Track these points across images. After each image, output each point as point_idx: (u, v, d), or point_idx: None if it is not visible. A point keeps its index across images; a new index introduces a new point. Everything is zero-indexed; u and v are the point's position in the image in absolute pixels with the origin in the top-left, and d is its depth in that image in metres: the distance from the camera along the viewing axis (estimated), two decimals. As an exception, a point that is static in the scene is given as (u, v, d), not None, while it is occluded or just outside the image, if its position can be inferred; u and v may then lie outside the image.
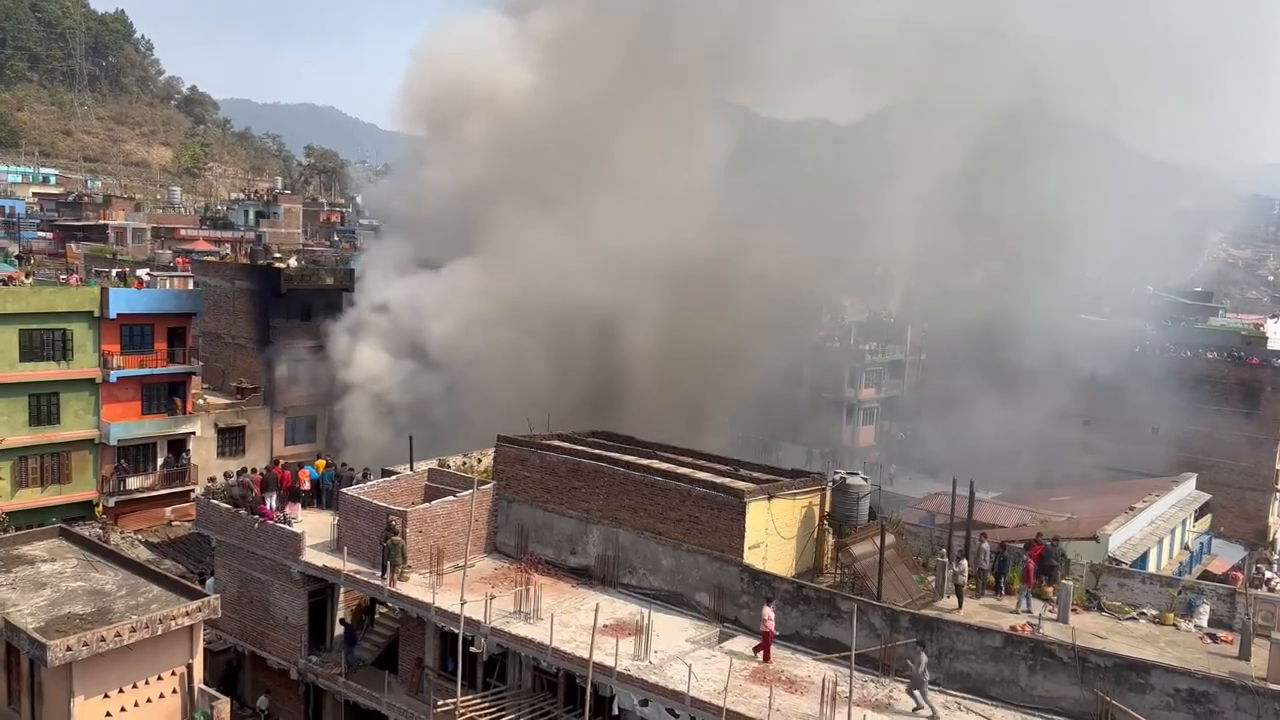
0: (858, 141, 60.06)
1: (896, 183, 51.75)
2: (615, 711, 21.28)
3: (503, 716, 23.16)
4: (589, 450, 28.06)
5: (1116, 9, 61.07)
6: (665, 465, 27.02)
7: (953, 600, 24.06)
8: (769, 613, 22.17)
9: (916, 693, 19.98)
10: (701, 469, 26.96)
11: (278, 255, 61.90)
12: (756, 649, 22.25)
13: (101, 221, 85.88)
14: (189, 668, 20.89)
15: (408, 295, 45.67)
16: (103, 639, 19.06)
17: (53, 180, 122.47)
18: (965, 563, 24.18)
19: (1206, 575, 37.21)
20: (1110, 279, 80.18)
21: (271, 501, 30.29)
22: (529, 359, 43.02)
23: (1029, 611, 23.43)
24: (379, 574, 25.70)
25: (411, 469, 30.72)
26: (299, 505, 30.89)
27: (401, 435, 35.90)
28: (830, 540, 26.04)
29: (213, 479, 32.88)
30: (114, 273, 55.45)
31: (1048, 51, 56.28)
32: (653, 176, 46.52)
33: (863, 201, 50.76)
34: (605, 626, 22.56)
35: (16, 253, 68.62)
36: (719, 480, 25.41)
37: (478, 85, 49.46)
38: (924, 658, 20.14)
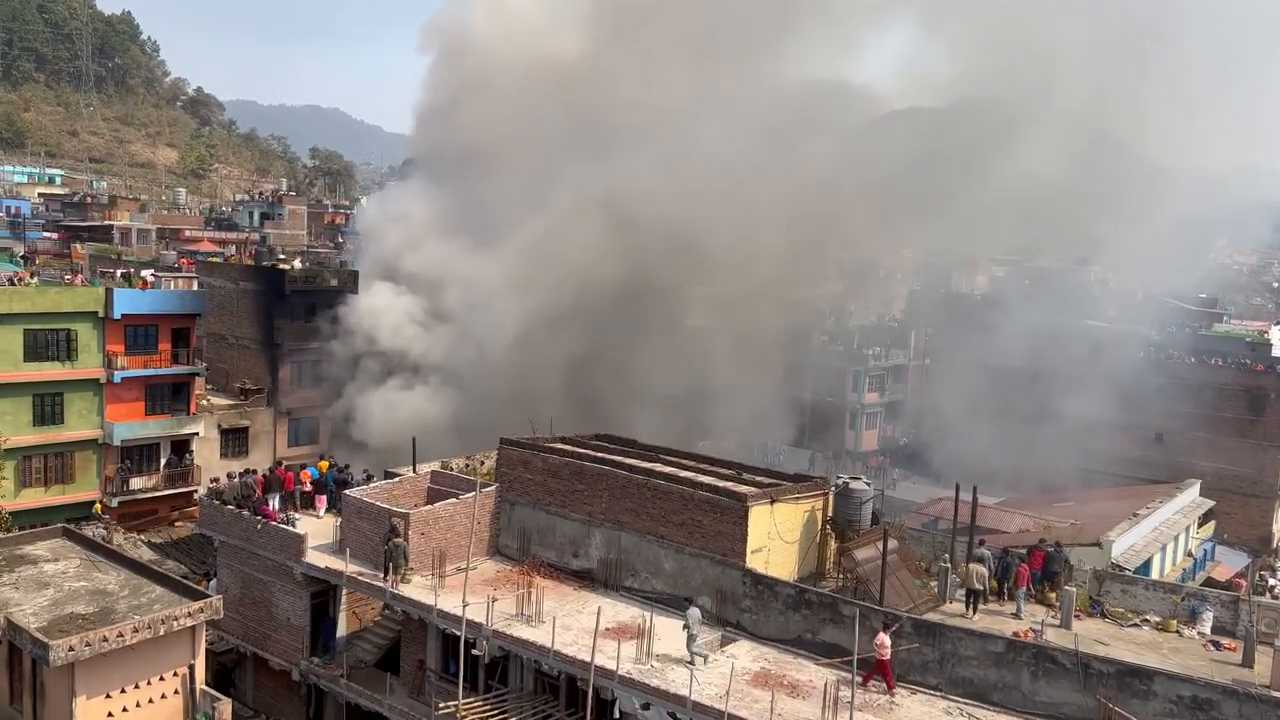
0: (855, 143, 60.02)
1: (895, 185, 51.75)
2: (617, 715, 21.24)
3: (505, 719, 23.15)
4: (591, 453, 28.07)
5: (1124, 14, 61.19)
6: (667, 468, 27.01)
7: (956, 605, 24.03)
8: (885, 639, 20.86)
9: (693, 648, 21.65)
10: (704, 472, 26.91)
11: (282, 257, 62.07)
12: (868, 678, 20.84)
13: (106, 222, 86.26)
14: (191, 668, 20.92)
15: (440, 265, 45.39)
16: (105, 639, 19.09)
17: (58, 181, 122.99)
18: (980, 567, 23.88)
19: (1210, 582, 37.06)
20: (1115, 284, 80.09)
21: (274, 503, 30.35)
22: (545, 347, 43.06)
23: (1019, 617, 23.40)
24: (381, 575, 25.71)
25: (414, 470, 30.74)
26: (325, 499, 31.02)
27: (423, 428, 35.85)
28: (833, 545, 25.99)
29: (215, 479, 32.94)
30: (119, 273, 55.75)
31: (1055, 55, 56.28)
32: (681, 153, 46.47)
33: (864, 201, 50.76)
34: (607, 629, 22.53)
35: (22, 253, 68.84)
36: (721, 484, 25.38)
37: (518, 40, 49.43)
38: (695, 611, 21.89)
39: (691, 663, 21.53)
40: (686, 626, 21.91)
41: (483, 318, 43.95)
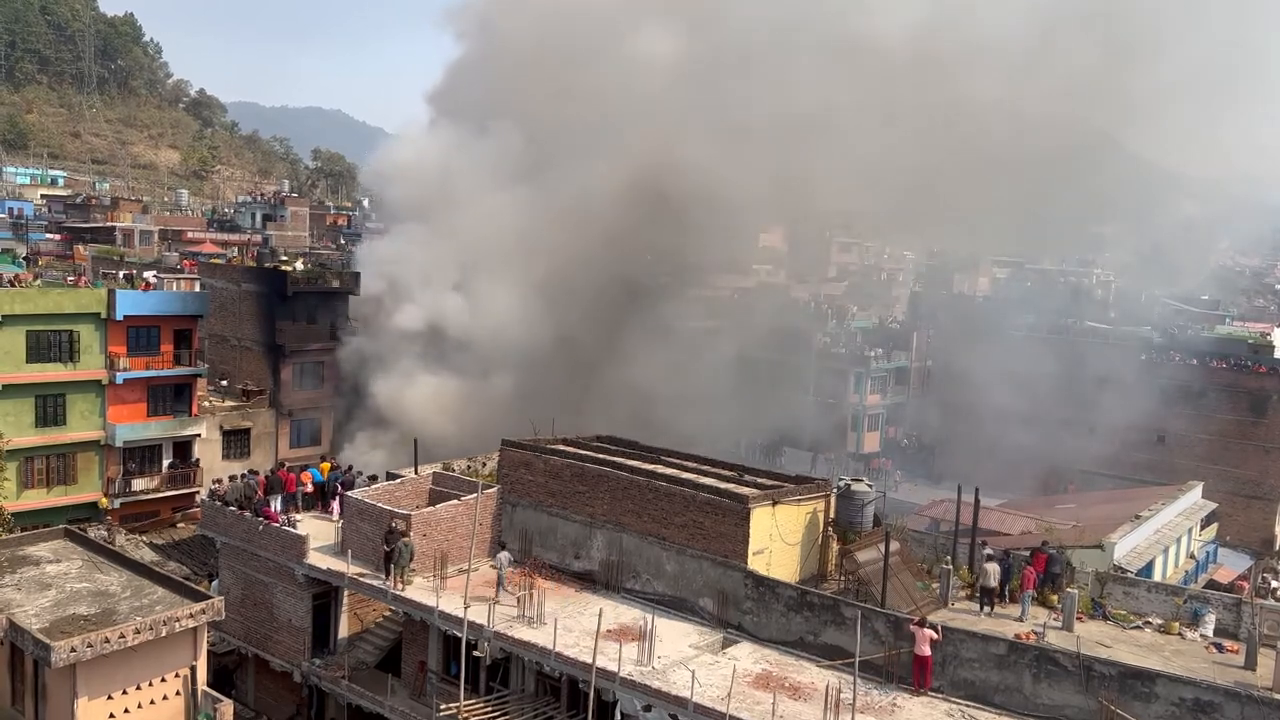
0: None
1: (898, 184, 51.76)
2: (618, 717, 21.25)
3: (505, 721, 23.17)
4: (593, 454, 28.07)
5: (1124, 15, 61.11)
6: (669, 470, 27.01)
7: (958, 606, 24.00)
8: (929, 634, 20.64)
9: (501, 589, 24.80)
10: (705, 474, 26.93)
11: (284, 258, 61.97)
12: (919, 684, 20.78)
13: (109, 223, 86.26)
14: (192, 669, 20.89)
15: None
16: (107, 640, 19.08)
17: (61, 182, 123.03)
18: (995, 565, 23.97)
19: (1212, 584, 37.01)
20: (1118, 285, 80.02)
21: (276, 504, 30.33)
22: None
23: (1022, 620, 23.41)
24: (383, 576, 25.71)
25: (416, 472, 30.74)
26: (335, 502, 30.95)
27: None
28: (834, 546, 25.98)
29: (217, 480, 32.97)
30: (121, 274, 55.68)
31: (1055, 57, 56.23)
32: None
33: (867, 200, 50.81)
34: (609, 631, 22.51)
35: (24, 254, 68.86)
36: (723, 485, 25.40)
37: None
38: (504, 555, 25.59)
39: (497, 600, 24.07)
40: (497, 567, 25.18)
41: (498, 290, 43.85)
